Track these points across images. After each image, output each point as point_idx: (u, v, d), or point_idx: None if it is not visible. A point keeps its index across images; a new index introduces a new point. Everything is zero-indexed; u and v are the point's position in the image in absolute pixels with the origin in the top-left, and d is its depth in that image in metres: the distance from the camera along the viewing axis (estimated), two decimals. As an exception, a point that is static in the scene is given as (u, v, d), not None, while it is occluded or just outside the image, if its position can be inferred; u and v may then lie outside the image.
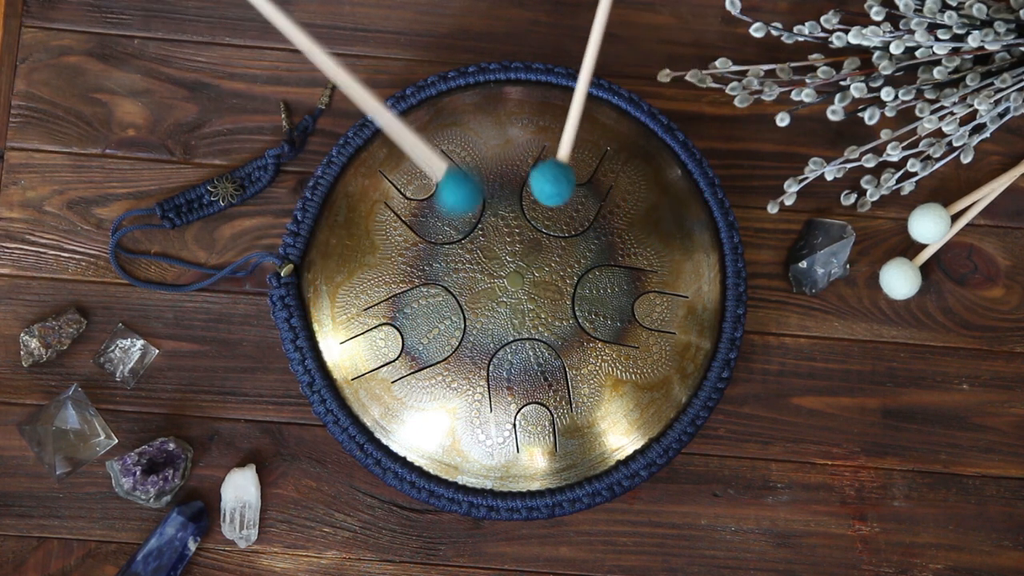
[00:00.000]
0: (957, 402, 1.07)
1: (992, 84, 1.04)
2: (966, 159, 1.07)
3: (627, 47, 1.10)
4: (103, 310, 1.06)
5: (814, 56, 1.08)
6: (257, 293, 1.07)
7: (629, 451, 1.00)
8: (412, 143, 0.80)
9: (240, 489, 1.03)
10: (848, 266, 1.07)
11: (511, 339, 0.96)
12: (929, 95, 1.06)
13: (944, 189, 1.09)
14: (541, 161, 0.81)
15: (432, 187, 0.99)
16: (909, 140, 1.05)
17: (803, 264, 1.06)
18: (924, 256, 1.07)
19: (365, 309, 0.98)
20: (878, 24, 1.05)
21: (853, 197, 1.08)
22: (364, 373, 0.99)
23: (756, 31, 1.05)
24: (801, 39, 1.07)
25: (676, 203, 1.01)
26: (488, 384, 0.97)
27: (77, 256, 1.07)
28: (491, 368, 0.96)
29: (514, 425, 0.97)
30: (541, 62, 1.05)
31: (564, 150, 0.83)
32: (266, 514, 1.05)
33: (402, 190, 1.00)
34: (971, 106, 1.03)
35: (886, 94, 1.03)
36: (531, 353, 0.96)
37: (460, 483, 0.99)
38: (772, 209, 1.07)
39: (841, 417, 1.07)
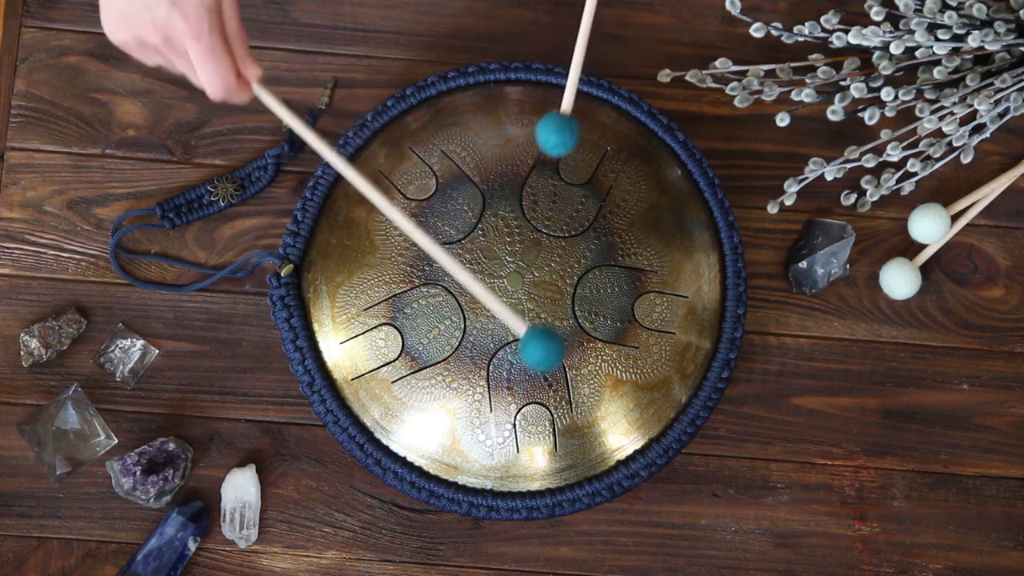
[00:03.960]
0: (957, 402, 1.07)
1: (992, 84, 1.04)
2: (966, 159, 1.07)
3: (627, 47, 1.10)
4: (103, 310, 1.06)
5: (814, 56, 1.08)
6: (257, 293, 1.07)
7: (629, 451, 1.00)
8: (494, 303, 0.82)
9: (240, 489, 1.03)
10: (848, 266, 1.07)
11: (511, 339, 0.96)
12: (929, 95, 1.06)
13: (944, 189, 1.09)
14: (545, 114, 0.84)
15: (432, 188, 0.99)
16: (909, 140, 1.05)
17: (803, 264, 1.06)
18: (924, 256, 1.07)
19: (365, 309, 0.98)
20: (878, 24, 1.05)
21: (853, 197, 1.08)
22: (364, 373, 0.99)
23: (756, 31, 1.05)
24: (801, 39, 1.07)
25: (676, 203, 1.01)
26: (488, 384, 0.97)
27: (77, 256, 1.07)
28: (491, 368, 0.96)
29: (514, 425, 0.97)
30: (541, 62, 1.05)
31: (567, 102, 0.85)
32: (266, 514, 1.05)
33: (402, 190, 1.00)
34: (971, 106, 1.03)
35: (886, 94, 1.03)
36: (531, 353, 0.96)
37: (460, 483, 0.99)
38: (772, 209, 1.07)
39: (841, 417, 1.07)
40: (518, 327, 0.81)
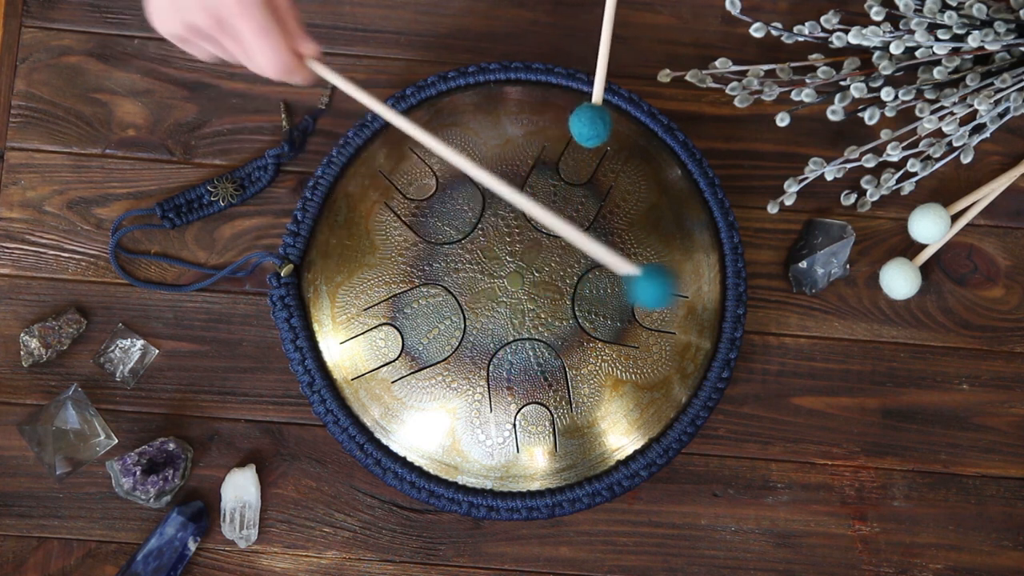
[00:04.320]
0: (957, 402, 1.07)
1: (992, 84, 1.04)
2: (966, 159, 1.07)
3: (627, 47, 1.10)
4: (103, 310, 1.06)
5: (814, 56, 1.08)
6: (257, 293, 1.07)
7: (629, 451, 1.00)
8: (596, 249, 0.81)
9: (240, 489, 1.03)
10: (848, 266, 1.07)
11: (511, 339, 0.96)
12: (929, 95, 1.06)
13: (944, 189, 1.09)
14: (578, 106, 0.85)
15: (432, 188, 0.99)
16: (909, 140, 1.05)
17: (803, 264, 1.06)
18: (924, 256, 1.07)
19: (365, 309, 0.98)
20: (878, 24, 1.05)
21: (853, 197, 1.08)
22: (364, 373, 0.99)
23: (756, 31, 1.05)
24: (801, 39, 1.07)
25: (676, 203, 1.01)
26: (488, 384, 0.97)
27: (77, 256, 1.07)
28: (491, 368, 0.96)
29: (514, 425, 0.97)
30: (541, 62, 1.05)
31: (597, 94, 0.87)
32: (266, 514, 1.05)
33: (402, 190, 1.00)
34: (971, 106, 1.03)
35: (886, 94, 1.03)
36: (531, 353, 0.96)
37: (460, 483, 0.99)
38: (772, 209, 1.07)
39: (841, 417, 1.07)
40: (626, 268, 0.80)
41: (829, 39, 1.06)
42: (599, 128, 0.86)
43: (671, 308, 0.99)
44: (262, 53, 0.78)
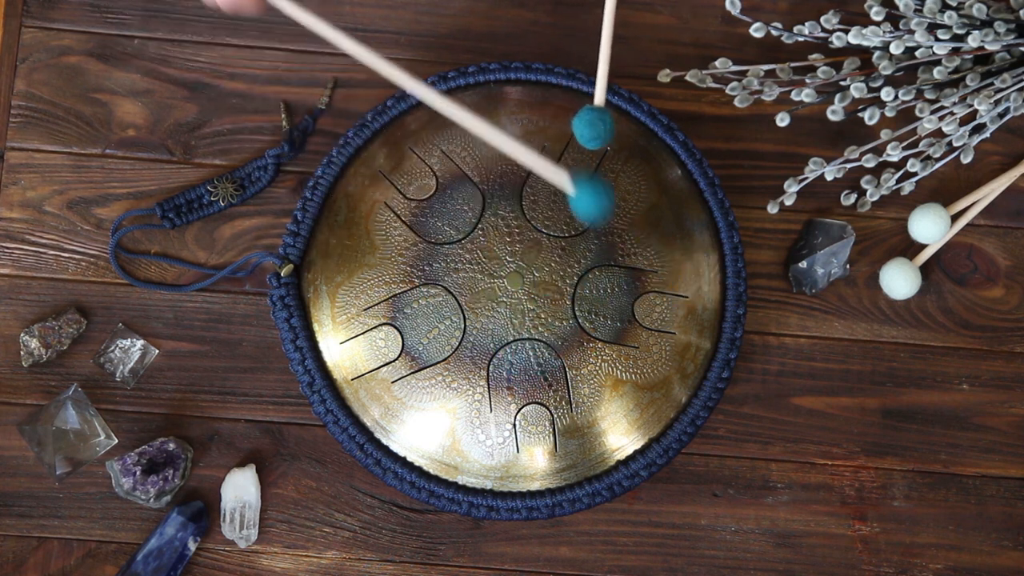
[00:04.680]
0: (957, 402, 1.07)
1: (992, 84, 1.04)
2: (966, 159, 1.07)
3: (627, 47, 1.10)
4: (103, 310, 1.06)
5: (814, 56, 1.08)
6: (257, 293, 1.07)
7: (629, 451, 1.00)
8: (531, 158, 0.82)
9: (240, 489, 1.03)
10: (848, 266, 1.07)
11: (511, 339, 0.96)
12: (929, 95, 1.06)
13: (944, 189, 1.09)
14: (580, 109, 0.86)
15: (432, 188, 0.99)
16: (909, 140, 1.05)
17: (803, 264, 1.06)
18: (924, 256, 1.07)
19: (365, 309, 0.98)
20: (878, 24, 1.05)
21: (853, 197, 1.08)
22: (364, 373, 0.99)
23: (756, 31, 1.05)
24: (801, 39, 1.07)
25: (676, 203, 1.01)
26: (488, 384, 0.97)
27: (77, 256, 1.07)
28: (491, 368, 0.96)
29: (514, 425, 0.97)
30: (541, 62, 1.05)
31: (599, 96, 0.87)
32: (266, 514, 1.05)
33: (402, 190, 1.00)
34: (971, 106, 1.03)
35: (886, 94, 1.03)
36: (531, 353, 0.96)
37: (460, 483, 0.99)
38: (772, 209, 1.07)
39: (841, 417, 1.07)
40: (563, 181, 0.82)
41: (829, 39, 1.06)
42: (599, 130, 0.86)
43: (672, 308, 0.99)
44: None
